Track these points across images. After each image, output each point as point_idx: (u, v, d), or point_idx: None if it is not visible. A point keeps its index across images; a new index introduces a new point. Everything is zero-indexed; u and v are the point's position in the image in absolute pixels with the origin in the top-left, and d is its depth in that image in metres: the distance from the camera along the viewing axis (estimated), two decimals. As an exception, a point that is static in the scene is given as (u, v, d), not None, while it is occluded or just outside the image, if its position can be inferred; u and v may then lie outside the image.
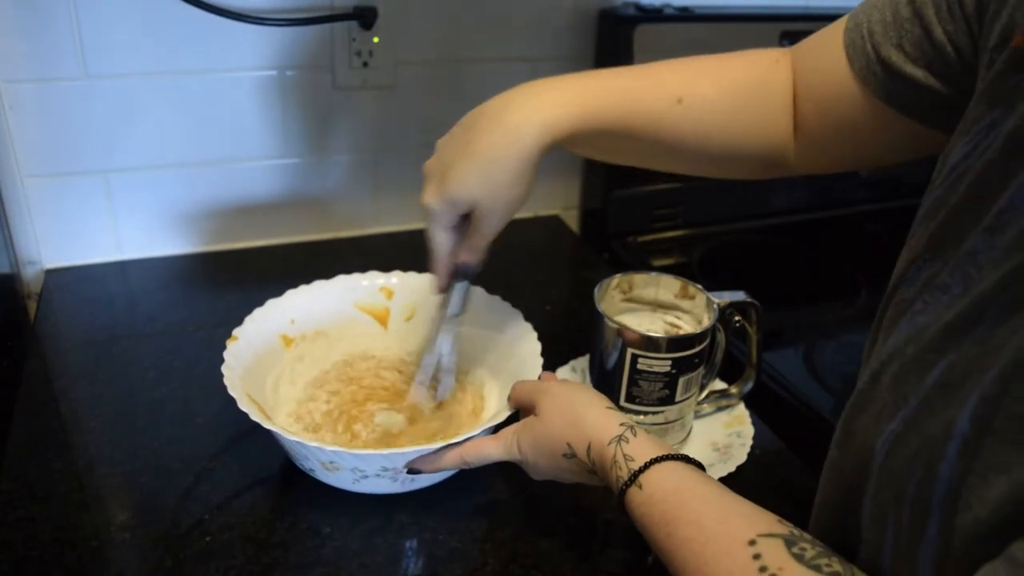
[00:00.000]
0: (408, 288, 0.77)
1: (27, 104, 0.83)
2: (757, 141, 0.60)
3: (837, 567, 0.39)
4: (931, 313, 0.39)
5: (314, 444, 0.55)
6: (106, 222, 0.92)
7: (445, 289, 0.62)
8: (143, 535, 0.58)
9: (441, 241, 0.57)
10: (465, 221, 0.57)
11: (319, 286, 0.74)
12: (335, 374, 0.73)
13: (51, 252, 0.91)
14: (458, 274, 0.60)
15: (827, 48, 0.55)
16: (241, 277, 0.93)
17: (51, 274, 0.91)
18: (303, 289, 0.73)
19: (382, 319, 0.77)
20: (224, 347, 0.64)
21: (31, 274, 0.91)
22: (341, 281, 0.75)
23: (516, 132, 0.52)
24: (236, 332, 0.67)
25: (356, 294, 0.76)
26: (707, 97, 0.57)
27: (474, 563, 0.58)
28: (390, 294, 0.77)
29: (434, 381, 0.68)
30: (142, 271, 0.93)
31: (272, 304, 0.71)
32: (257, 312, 0.70)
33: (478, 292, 0.73)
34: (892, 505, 0.38)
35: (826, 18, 0.59)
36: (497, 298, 0.73)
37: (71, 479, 0.62)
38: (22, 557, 0.55)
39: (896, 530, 0.38)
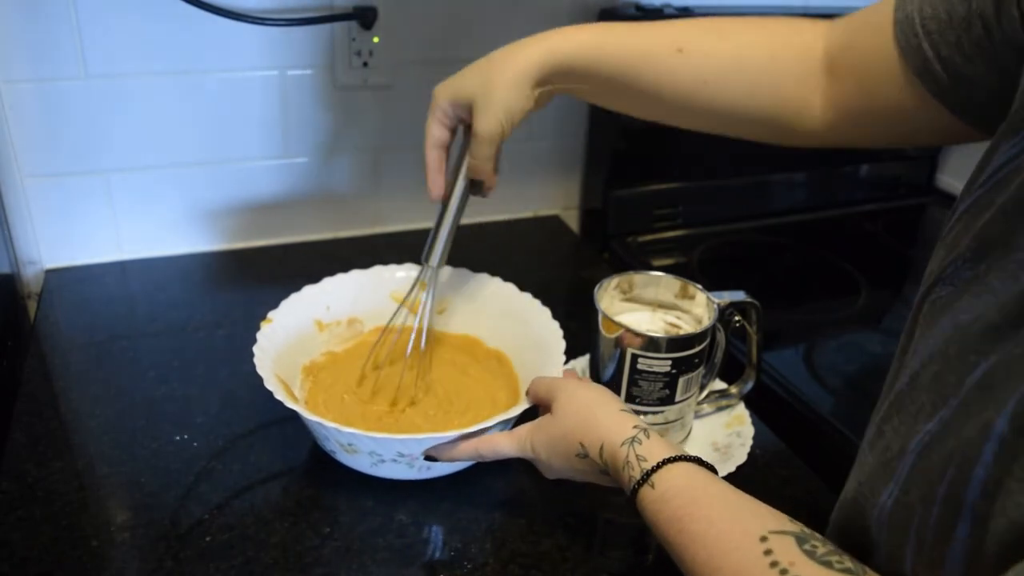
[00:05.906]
0: (443, 282, 0.78)
1: (27, 104, 0.83)
2: (762, 103, 0.60)
3: (849, 564, 0.39)
4: (975, 313, 0.39)
5: (333, 426, 0.56)
6: (106, 222, 0.92)
7: (444, 194, 0.67)
8: (143, 535, 0.58)
9: (433, 132, 0.63)
10: (467, 135, 0.64)
11: (356, 275, 0.77)
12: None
13: (51, 252, 0.91)
14: (472, 188, 0.66)
15: (875, 34, 0.53)
16: (241, 277, 0.93)
17: (51, 274, 0.91)
18: (340, 277, 0.76)
19: (416, 311, 0.78)
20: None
21: (31, 274, 0.91)
22: (377, 271, 0.77)
23: (521, 47, 0.60)
24: (271, 315, 0.69)
25: (392, 285, 0.78)
26: (709, 52, 0.59)
27: (474, 563, 0.58)
28: (424, 286, 0.77)
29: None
30: (142, 271, 0.93)
31: (309, 290, 0.73)
32: (294, 296, 0.72)
33: (507, 287, 0.76)
34: (919, 505, 0.38)
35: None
36: (528, 295, 0.75)
37: (71, 479, 0.62)
38: (22, 557, 0.55)
39: (920, 532, 0.38)
